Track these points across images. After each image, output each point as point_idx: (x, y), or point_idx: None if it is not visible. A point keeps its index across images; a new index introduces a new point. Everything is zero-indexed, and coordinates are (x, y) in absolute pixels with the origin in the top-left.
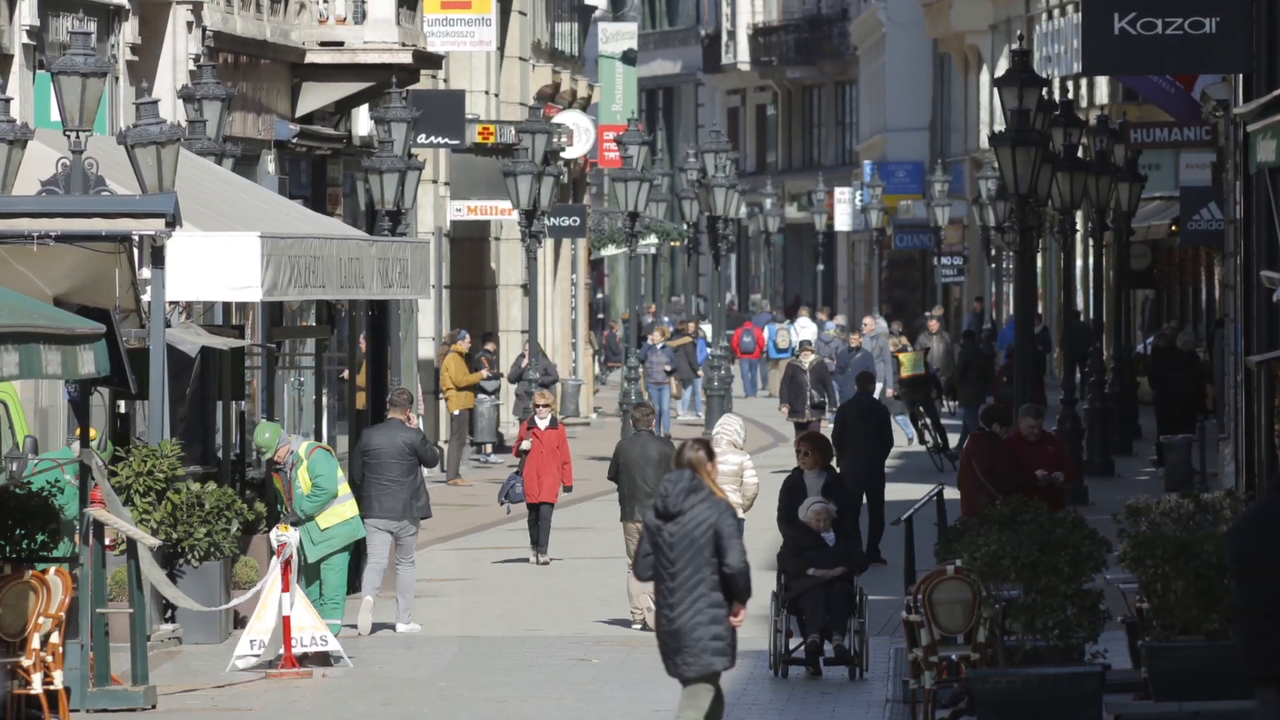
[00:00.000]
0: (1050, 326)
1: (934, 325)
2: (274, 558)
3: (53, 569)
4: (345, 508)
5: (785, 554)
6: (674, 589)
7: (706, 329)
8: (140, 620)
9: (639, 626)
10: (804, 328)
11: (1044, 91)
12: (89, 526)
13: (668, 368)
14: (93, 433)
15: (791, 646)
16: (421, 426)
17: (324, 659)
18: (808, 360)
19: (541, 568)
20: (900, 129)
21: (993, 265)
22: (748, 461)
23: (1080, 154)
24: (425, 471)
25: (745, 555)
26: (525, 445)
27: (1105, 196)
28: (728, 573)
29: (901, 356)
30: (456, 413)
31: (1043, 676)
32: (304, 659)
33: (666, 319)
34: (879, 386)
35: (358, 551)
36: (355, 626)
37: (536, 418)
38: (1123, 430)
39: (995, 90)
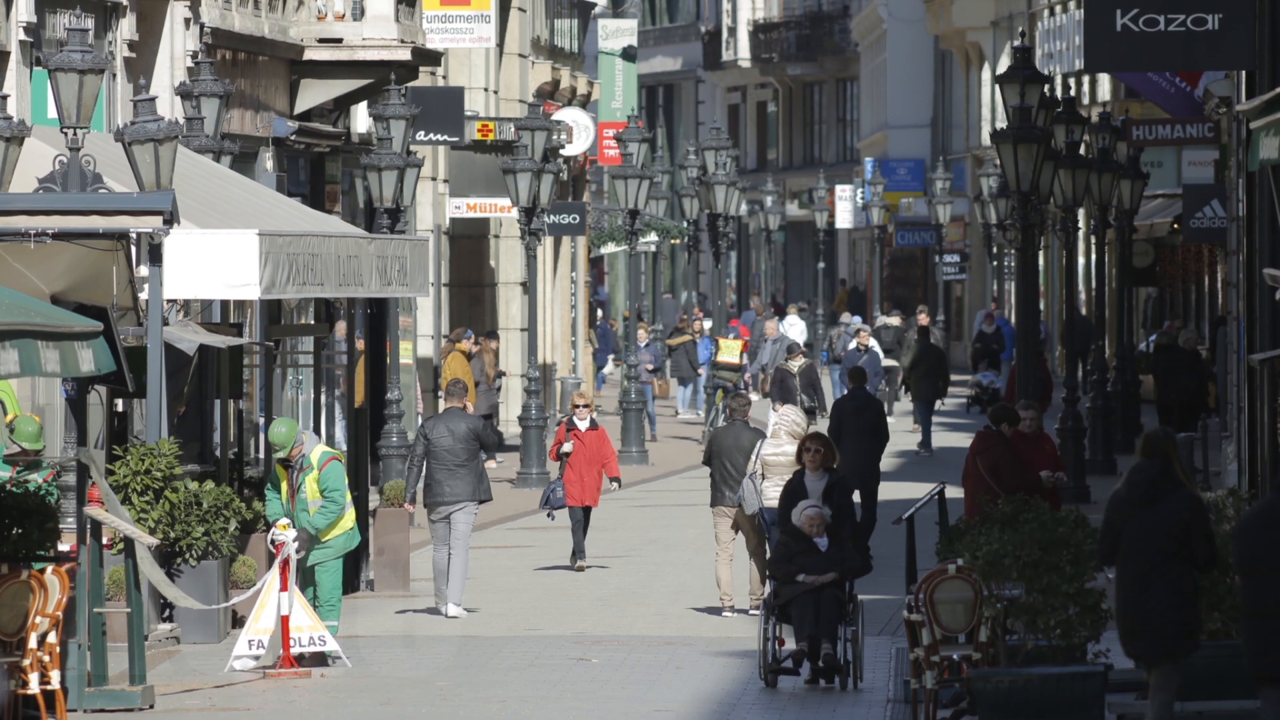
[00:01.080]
0: (1052, 324)
1: (923, 319)
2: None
3: (50, 568)
4: (346, 518)
5: (776, 559)
6: (1140, 575)
7: (707, 326)
8: (137, 620)
9: (729, 613)
10: (792, 325)
11: (1046, 88)
12: (87, 526)
13: (650, 365)
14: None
15: (781, 655)
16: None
17: (321, 659)
18: (796, 364)
19: (546, 572)
20: (902, 126)
21: (994, 263)
22: None
23: (1082, 151)
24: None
25: (1215, 548)
26: (566, 448)
27: (1107, 194)
28: (1200, 565)
29: (720, 342)
30: None
31: (1045, 676)
32: (301, 659)
33: (695, 317)
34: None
35: (355, 553)
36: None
37: (575, 419)
38: (1125, 428)
39: (997, 87)
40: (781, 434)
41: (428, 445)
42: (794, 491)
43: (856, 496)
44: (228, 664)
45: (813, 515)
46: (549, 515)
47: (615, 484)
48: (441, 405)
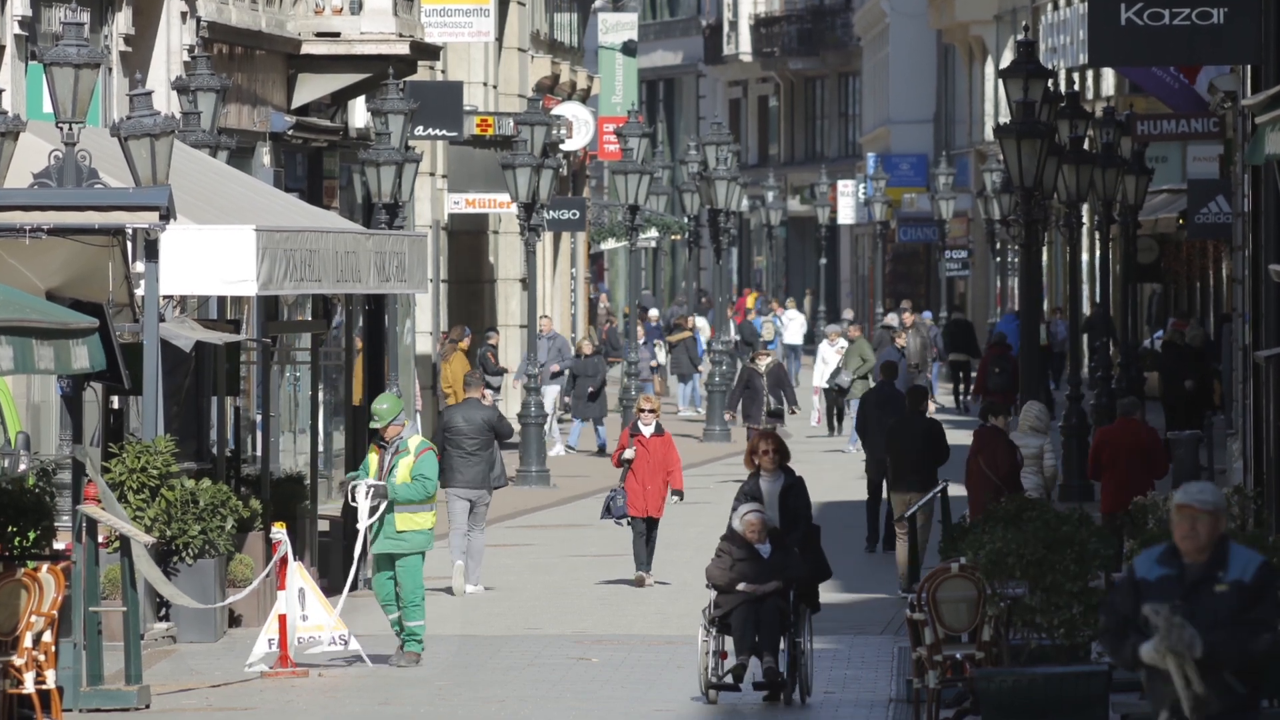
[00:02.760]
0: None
1: (909, 318)
2: (299, 565)
3: (45, 567)
4: (427, 517)
5: (715, 567)
6: None
7: (700, 323)
8: (133, 619)
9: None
10: (791, 320)
11: (1049, 83)
12: (82, 523)
13: (654, 363)
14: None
15: (723, 670)
16: (419, 424)
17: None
18: (764, 364)
19: (606, 586)
20: (904, 121)
21: (998, 259)
22: (1048, 445)
23: (1086, 146)
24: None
25: None
26: (628, 454)
27: (1112, 189)
28: None
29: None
30: None
31: (1049, 676)
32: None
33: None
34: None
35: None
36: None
37: (640, 423)
38: None
39: (1000, 82)
40: (1025, 427)
41: (446, 433)
42: (749, 495)
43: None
44: (246, 663)
45: (753, 520)
46: (616, 522)
47: (676, 497)
48: (443, 401)
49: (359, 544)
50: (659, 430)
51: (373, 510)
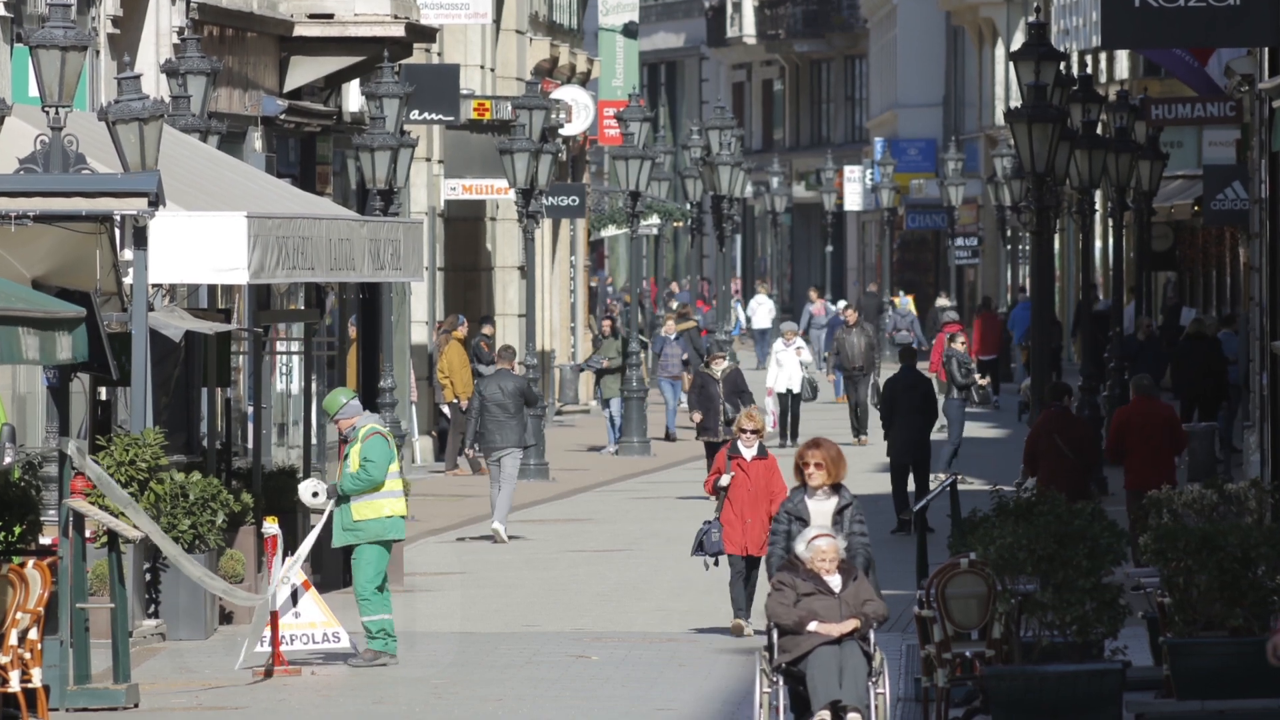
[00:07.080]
0: (1069, 310)
1: (852, 317)
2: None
3: (30, 562)
4: (386, 504)
5: (777, 604)
6: None
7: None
8: (122, 615)
9: None
10: (760, 305)
11: (1062, 66)
12: (68, 518)
13: (685, 357)
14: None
15: None
16: (415, 415)
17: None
18: (719, 369)
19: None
20: (912, 105)
21: (1008, 246)
22: None
23: (1099, 131)
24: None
25: None
26: (724, 480)
27: (1125, 175)
28: None
29: None
30: (455, 401)
31: (1061, 674)
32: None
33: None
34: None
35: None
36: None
37: (741, 444)
38: None
39: (1011, 64)
40: None
41: (482, 400)
42: (795, 516)
43: (912, 485)
44: (239, 661)
45: (825, 547)
46: (705, 564)
47: None
48: (439, 392)
49: (306, 540)
50: (762, 453)
51: (325, 509)
